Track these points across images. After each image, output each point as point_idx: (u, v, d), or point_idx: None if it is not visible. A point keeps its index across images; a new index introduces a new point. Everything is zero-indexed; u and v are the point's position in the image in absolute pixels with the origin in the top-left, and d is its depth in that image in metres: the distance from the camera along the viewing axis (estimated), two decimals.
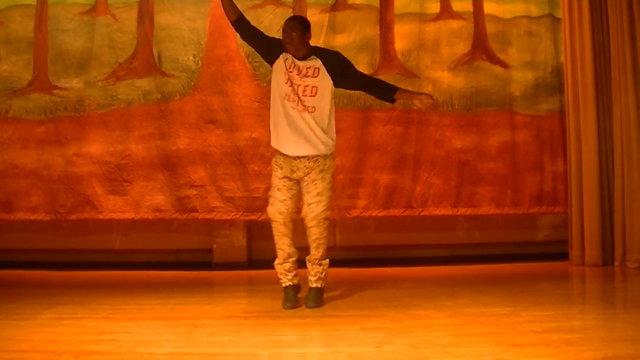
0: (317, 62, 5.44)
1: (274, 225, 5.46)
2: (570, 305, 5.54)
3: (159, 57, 7.76)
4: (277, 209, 5.40)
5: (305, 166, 5.39)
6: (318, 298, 5.44)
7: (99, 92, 7.68)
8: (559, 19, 8.00)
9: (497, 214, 7.93)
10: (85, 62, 7.73)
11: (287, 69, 5.42)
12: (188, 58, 7.74)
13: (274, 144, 5.53)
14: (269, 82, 7.39)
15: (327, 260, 5.52)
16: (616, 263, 7.38)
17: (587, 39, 7.60)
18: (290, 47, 5.40)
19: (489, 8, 8.04)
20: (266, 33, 7.11)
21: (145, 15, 7.74)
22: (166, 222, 7.78)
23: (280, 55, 5.48)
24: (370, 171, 7.75)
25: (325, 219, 5.41)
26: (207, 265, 7.79)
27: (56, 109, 7.67)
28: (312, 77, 5.41)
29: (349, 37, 7.77)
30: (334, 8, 7.81)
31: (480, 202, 7.86)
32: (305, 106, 5.37)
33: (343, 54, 5.67)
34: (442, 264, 7.71)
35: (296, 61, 5.42)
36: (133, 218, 7.64)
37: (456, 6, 8.03)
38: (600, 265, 7.41)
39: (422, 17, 7.96)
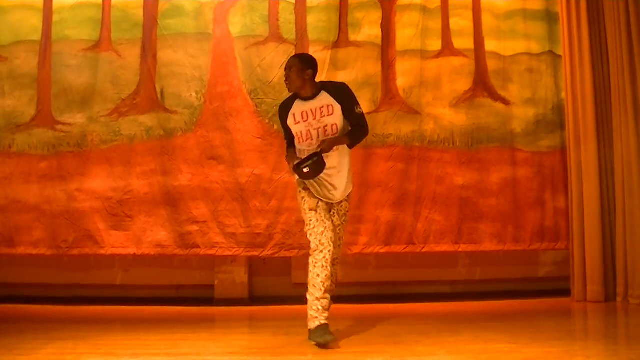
0: (327, 98, 5.38)
1: (323, 255, 5.25)
2: (572, 342, 5.51)
3: (162, 93, 7.80)
4: (330, 237, 5.28)
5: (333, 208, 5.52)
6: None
7: (101, 128, 7.72)
8: (559, 56, 8.06)
9: (499, 250, 7.91)
10: (88, 97, 7.77)
11: (296, 122, 5.42)
12: (191, 94, 7.79)
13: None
14: (271, 119, 7.53)
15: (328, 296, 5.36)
16: (618, 299, 7.36)
17: (587, 75, 7.65)
18: (289, 86, 5.40)
19: (489, 45, 8.11)
20: (268, 70, 7.24)
21: (148, 52, 7.80)
22: (168, 257, 7.77)
23: (288, 115, 5.47)
24: (372, 208, 7.75)
25: (338, 259, 5.61)
26: (209, 301, 7.77)
27: (59, 144, 7.70)
28: (329, 115, 5.36)
29: (351, 74, 7.80)
30: (336, 45, 7.87)
31: (482, 238, 7.85)
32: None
33: None
34: (443, 300, 7.69)
35: (306, 104, 5.40)
36: (135, 253, 7.63)
37: (457, 43, 8.09)
38: (603, 301, 7.38)
39: (423, 54, 8.01)
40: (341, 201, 5.52)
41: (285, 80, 5.44)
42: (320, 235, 5.25)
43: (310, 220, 5.32)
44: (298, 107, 5.43)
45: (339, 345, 5.18)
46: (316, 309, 5.21)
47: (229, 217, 7.65)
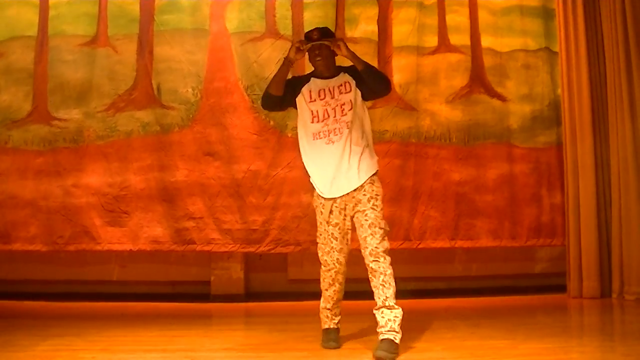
0: (345, 76, 5.02)
1: (330, 274, 5.04)
2: (568, 338, 5.51)
3: (158, 89, 7.79)
4: (337, 259, 4.97)
5: (352, 200, 4.89)
6: (390, 348, 4.67)
7: (98, 124, 7.71)
8: (555, 52, 8.08)
9: (495, 247, 7.93)
10: (85, 93, 7.76)
11: (312, 100, 5.00)
12: (187, 90, 7.78)
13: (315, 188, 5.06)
14: (267, 115, 7.50)
15: (399, 307, 4.80)
16: (614, 295, 7.37)
17: (583, 71, 7.66)
18: (320, 62, 4.99)
19: (486, 42, 8.12)
20: (265, 66, 7.11)
21: (145, 48, 7.80)
22: (164, 253, 7.77)
23: (302, 91, 5.06)
24: None
25: (384, 251, 4.80)
26: (205, 297, 7.77)
27: (55, 140, 7.69)
28: (346, 92, 4.97)
29: None
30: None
31: (478, 234, 7.87)
32: (340, 127, 4.91)
33: None
34: (440, 296, 7.70)
35: (324, 82, 5.02)
36: (131, 249, 7.62)
37: (454, 40, 8.10)
38: (598, 297, 7.40)
39: (420, 51, 8.01)
40: (360, 187, 4.87)
41: (315, 58, 4.99)
42: (325, 255, 4.99)
43: (320, 234, 5.00)
44: (315, 84, 5.05)
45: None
46: (325, 315, 5.21)
47: (225, 213, 7.65)
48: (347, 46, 4.92)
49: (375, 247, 4.75)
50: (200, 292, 7.84)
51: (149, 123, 7.73)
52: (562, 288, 7.71)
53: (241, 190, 7.66)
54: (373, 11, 8.01)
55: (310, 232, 7.45)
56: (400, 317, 4.75)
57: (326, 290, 5.12)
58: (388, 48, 8.00)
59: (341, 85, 5.00)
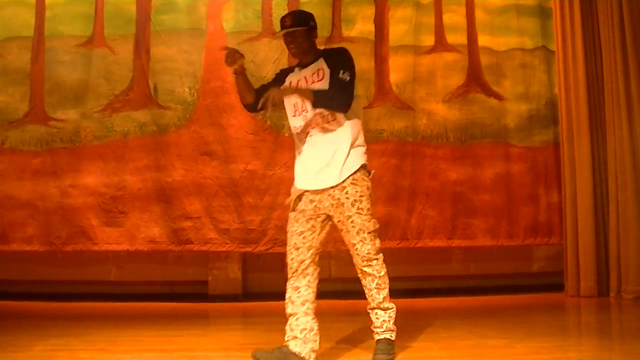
0: (321, 63, 4.54)
1: (290, 282, 4.58)
2: (565, 337, 5.52)
3: (155, 89, 7.79)
4: (294, 243, 4.54)
5: (329, 198, 4.49)
6: (387, 349, 4.55)
7: (95, 124, 7.71)
8: (552, 51, 8.09)
9: (492, 246, 7.94)
10: (81, 93, 7.77)
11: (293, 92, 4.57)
12: (184, 90, 7.78)
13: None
14: (264, 115, 7.50)
15: (392, 306, 4.62)
16: (611, 294, 7.38)
17: (580, 70, 7.68)
18: (295, 50, 4.59)
19: (483, 41, 8.14)
20: (262, 65, 7.11)
21: (142, 48, 7.79)
22: (161, 253, 7.77)
23: (286, 78, 4.71)
24: None
25: (376, 253, 4.51)
26: (203, 297, 7.77)
27: (52, 140, 7.69)
28: (318, 80, 4.51)
29: None
30: (329, 41, 7.85)
31: (476, 233, 7.88)
32: (316, 120, 4.50)
33: None
34: (437, 295, 7.70)
35: (302, 72, 4.61)
36: (128, 249, 7.62)
37: (450, 39, 8.11)
38: (596, 296, 7.42)
39: (416, 50, 8.03)
40: (340, 186, 4.46)
41: (289, 45, 4.59)
42: (289, 256, 4.57)
43: (288, 231, 4.61)
44: (295, 75, 4.67)
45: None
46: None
47: (223, 212, 7.65)
48: (291, 84, 4.60)
49: (367, 253, 4.48)
50: (197, 292, 7.84)
51: (145, 123, 7.72)
52: (559, 287, 7.72)
53: (238, 190, 7.66)
54: (370, 10, 8.02)
55: None
56: (394, 314, 4.61)
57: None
58: (385, 47, 8.00)
59: (314, 73, 4.57)
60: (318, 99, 4.39)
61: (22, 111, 7.74)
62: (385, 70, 7.96)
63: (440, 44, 8.12)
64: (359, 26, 8.01)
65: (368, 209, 4.49)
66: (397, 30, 8.03)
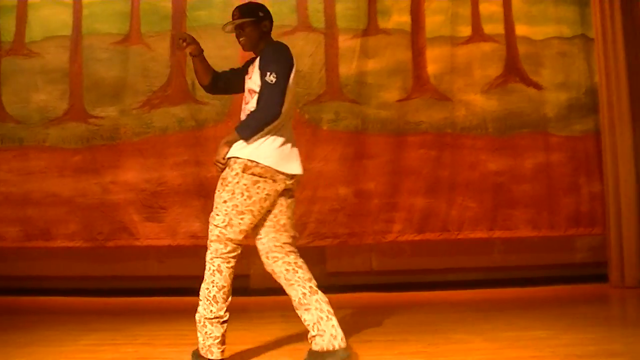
0: (257, 60, 4.37)
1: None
2: (610, 328, 5.46)
3: (193, 85, 7.81)
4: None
5: None
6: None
7: (133, 120, 7.77)
8: (591, 39, 7.98)
9: (534, 236, 7.87)
10: (119, 90, 7.83)
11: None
12: None
13: None
14: (302, 108, 7.52)
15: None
16: None
17: (621, 58, 7.58)
18: (244, 43, 4.50)
19: (520, 30, 8.05)
20: (297, 59, 7.10)
21: None
22: (202, 248, 7.75)
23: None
24: (405, 195, 7.72)
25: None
26: (244, 291, 7.78)
27: (92, 138, 7.75)
28: (249, 78, 4.45)
29: (381, 62, 7.79)
30: (366, 33, 7.84)
31: (517, 224, 7.81)
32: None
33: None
34: (478, 287, 7.64)
35: (253, 64, 4.44)
36: (170, 244, 7.68)
37: (487, 29, 8.04)
38: None
39: (453, 41, 7.97)
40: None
41: (238, 37, 4.50)
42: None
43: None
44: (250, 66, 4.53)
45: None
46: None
47: None
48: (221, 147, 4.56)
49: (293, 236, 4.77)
50: (239, 286, 7.82)
51: (184, 119, 7.77)
52: (603, 278, 7.63)
53: None
54: (405, 2, 7.98)
55: (347, 225, 7.48)
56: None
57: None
58: (421, 39, 7.96)
59: (252, 66, 4.46)
60: (244, 132, 4.42)
61: (62, 109, 7.81)
62: (422, 62, 7.92)
63: (477, 34, 8.06)
64: (395, 18, 7.96)
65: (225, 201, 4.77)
66: (434, 21, 7.98)
